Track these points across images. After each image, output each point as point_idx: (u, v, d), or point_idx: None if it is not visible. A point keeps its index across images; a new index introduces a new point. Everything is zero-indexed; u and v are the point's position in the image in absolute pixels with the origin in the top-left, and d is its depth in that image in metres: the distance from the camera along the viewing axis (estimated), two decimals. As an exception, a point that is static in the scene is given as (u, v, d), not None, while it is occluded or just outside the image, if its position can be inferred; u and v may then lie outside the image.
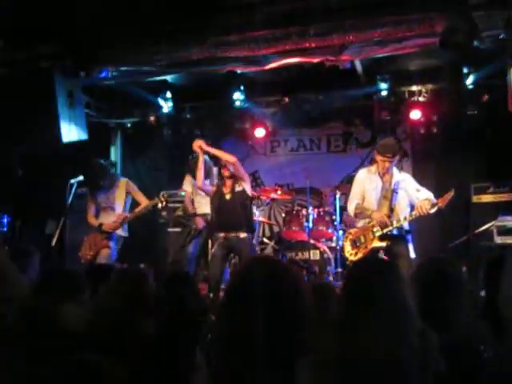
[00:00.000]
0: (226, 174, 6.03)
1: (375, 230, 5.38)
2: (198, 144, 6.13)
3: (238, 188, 6.01)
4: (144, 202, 6.49)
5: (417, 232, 7.46)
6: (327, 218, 7.32)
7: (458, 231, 7.21)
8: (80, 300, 2.81)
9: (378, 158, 5.49)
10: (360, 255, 5.42)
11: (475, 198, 7.31)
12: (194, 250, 7.13)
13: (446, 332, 2.51)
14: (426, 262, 2.88)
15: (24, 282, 3.05)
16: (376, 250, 5.40)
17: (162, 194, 6.47)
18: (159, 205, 6.48)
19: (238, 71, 7.11)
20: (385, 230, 5.33)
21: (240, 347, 1.69)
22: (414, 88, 7.71)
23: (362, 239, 5.46)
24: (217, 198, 6.08)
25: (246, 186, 6.02)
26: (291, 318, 1.73)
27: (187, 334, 2.51)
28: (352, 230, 5.67)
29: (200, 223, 7.19)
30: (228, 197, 6.01)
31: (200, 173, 6.12)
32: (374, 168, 5.66)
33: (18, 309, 2.66)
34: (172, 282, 2.93)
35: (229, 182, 6.04)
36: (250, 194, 6.08)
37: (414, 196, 5.45)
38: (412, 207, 5.47)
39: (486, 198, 7.24)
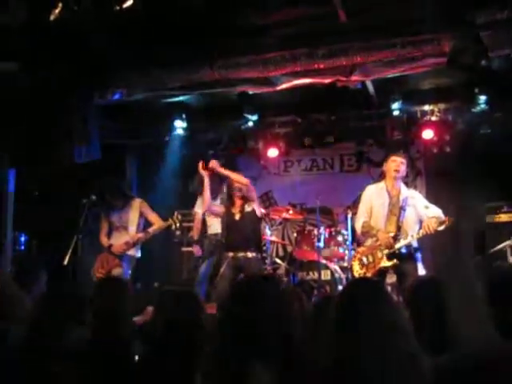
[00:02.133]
0: (236, 194, 6.08)
1: (383, 248, 5.37)
2: (213, 164, 6.18)
3: (247, 208, 6.06)
4: (157, 222, 6.52)
5: (429, 250, 7.46)
6: (339, 238, 7.31)
7: (472, 251, 7.14)
8: (83, 320, 2.86)
9: (391, 159, 5.50)
10: (369, 275, 5.39)
11: (489, 218, 7.26)
12: (206, 271, 7.14)
13: (442, 353, 2.50)
14: (419, 284, 2.87)
15: (26, 302, 3.10)
16: (384, 270, 5.38)
17: (175, 215, 6.51)
18: (173, 226, 6.52)
19: (250, 92, 7.18)
20: (391, 250, 5.32)
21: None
22: (427, 107, 7.71)
23: (371, 258, 5.44)
24: (226, 218, 6.12)
25: (255, 207, 6.06)
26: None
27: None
28: (360, 249, 5.66)
29: (197, 251, 7.20)
30: (237, 217, 6.05)
31: (206, 194, 6.17)
32: (381, 183, 5.66)
33: (21, 328, 2.72)
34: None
35: (238, 203, 6.08)
36: (259, 215, 6.12)
37: (422, 213, 5.41)
38: (420, 224, 5.43)
39: (500, 218, 7.19)
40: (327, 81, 6.58)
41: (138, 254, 6.60)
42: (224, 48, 5.97)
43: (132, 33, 5.76)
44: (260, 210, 6.19)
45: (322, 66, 5.94)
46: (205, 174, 6.19)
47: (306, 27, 5.82)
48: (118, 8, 4.34)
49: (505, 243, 6.71)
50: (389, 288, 6.15)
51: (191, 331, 2.57)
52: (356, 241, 7.46)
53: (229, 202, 6.22)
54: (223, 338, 1.87)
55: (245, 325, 1.91)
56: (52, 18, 4.37)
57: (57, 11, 4.36)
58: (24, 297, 3.16)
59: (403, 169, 5.59)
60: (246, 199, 6.07)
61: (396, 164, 5.52)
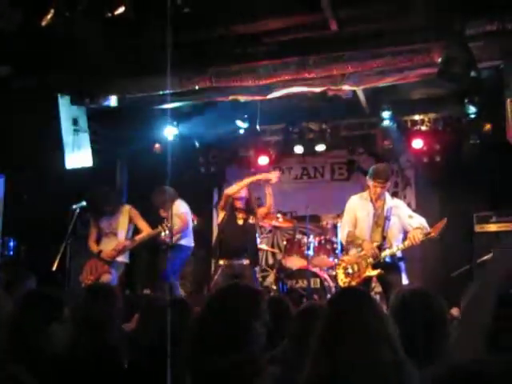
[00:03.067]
0: (239, 205, 6.12)
1: (368, 258, 5.39)
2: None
3: (250, 221, 6.14)
4: (146, 229, 6.51)
5: (420, 261, 7.49)
6: (328, 246, 7.32)
7: (461, 260, 7.18)
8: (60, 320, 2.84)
9: (371, 183, 5.52)
10: (353, 283, 5.41)
11: (478, 228, 7.30)
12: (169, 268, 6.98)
13: (429, 364, 2.51)
14: (407, 295, 2.88)
15: (8, 305, 3.07)
16: (369, 279, 5.41)
17: (165, 222, 6.50)
18: (162, 233, 6.50)
19: (242, 100, 7.19)
20: (376, 260, 5.34)
21: None
22: (417, 117, 7.76)
23: (356, 268, 5.46)
24: (227, 222, 6.13)
25: (256, 222, 6.21)
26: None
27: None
28: (345, 258, 5.68)
29: None
30: (240, 222, 6.10)
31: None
32: (365, 194, 5.69)
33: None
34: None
35: (241, 214, 6.15)
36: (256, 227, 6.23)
37: (406, 223, 5.45)
38: (405, 233, 5.47)
39: (489, 228, 7.23)
40: (318, 90, 6.60)
41: (126, 260, 6.59)
42: (217, 55, 5.98)
43: (124, 39, 5.78)
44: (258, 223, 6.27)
45: (312, 75, 5.95)
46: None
47: (297, 36, 5.85)
48: (109, 14, 4.34)
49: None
50: (377, 297, 6.17)
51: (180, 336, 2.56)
52: (345, 249, 7.49)
53: (232, 212, 6.24)
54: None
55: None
56: (44, 23, 4.37)
57: (48, 17, 4.35)
58: (5, 299, 3.13)
59: (383, 191, 5.59)
60: (249, 211, 6.17)
61: (375, 190, 5.54)
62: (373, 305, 2.25)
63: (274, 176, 6.23)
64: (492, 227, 7.22)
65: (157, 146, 8.49)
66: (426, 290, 2.98)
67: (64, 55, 5.90)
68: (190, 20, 5.40)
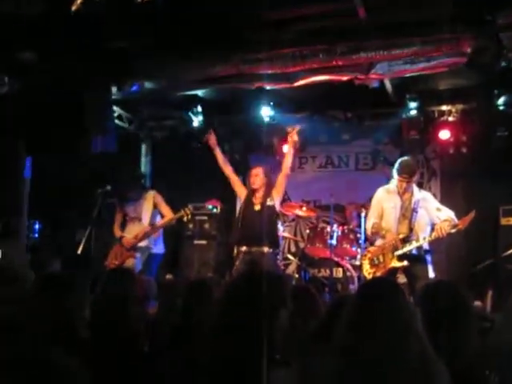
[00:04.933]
0: (254, 186, 5.93)
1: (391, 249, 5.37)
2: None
3: (269, 202, 5.89)
4: (168, 214, 6.53)
5: (445, 254, 7.42)
6: (351, 236, 7.28)
7: (486, 253, 7.12)
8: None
9: (396, 177, 5.48)
10: (378, 274, 5.39)
11: (504, 221, 7.22)
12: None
13: (453, 358, 2.50)
14: (434, 287, 2.86)
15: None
16: (395, 270, 5.38)
17: (188, 207, 6.52)
18: (184, 218, 6.52)
19: (267, 87, 7.17)
20: (396, 252, 5.31)
21: None
22: (444, 108, 7.67)
23: (381, 258, 5.42)
24: (244, 208, 6.01)
25: (277, 202, 5.98)
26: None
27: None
28: (371, 249, 5.66)
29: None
30: (257, 208, 5.89)
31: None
32: (393, 186, 5.64)
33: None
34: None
35: (259, 194, 5.95)
36: (277, 210, 6.07)
37: (434, 215, 5.39)
38: (432, 226, 5.42)
39: (515, 221, 7.15)
40: (345, 78, 6.57)
41: (157, 249, 6.61)
42: (244, 42, 5.96)
43: (152, 25, 5.78)
44: (280, 206, 6.15)
45: (340, 63, 5.92)
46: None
47: (325, 23, 5.80)
48: (139, 0, 4.35)
49: (519, 247, 6.66)
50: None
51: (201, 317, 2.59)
52: (368, 239, 7.45)
53: (251, 190, 6.02)
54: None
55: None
56: (73, 8, 4.39)
57: (78, 1, 4.38)
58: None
59: (409, 185, 5.52)
60: (268, 190, 5.93)
61: (401, 185, 5.48)
62: (402, 296, 2.24)
63: (293, 135, 5.98)
64: (518, 220, 7.14)
65: (182, 131, 8.51)
66: (450, 283, 2.97)
67: (91, 41, 5.94)
68: (218, 6, 5.41)
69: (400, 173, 5.42)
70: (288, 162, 5.99)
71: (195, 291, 3.07)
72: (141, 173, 8.25)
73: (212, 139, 6.26)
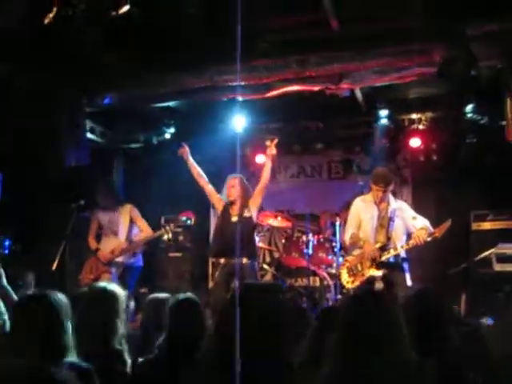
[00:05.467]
0: (231, 197, 5.92)
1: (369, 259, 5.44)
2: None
3: (246, 213, 5.88)
4: (146, 230, 6.43)
5: (417, 259, 7.51)
6: (327, 245, 7.34)
7: (458, 258, 7.24)
8: None
9: (373, 187, 5.57)
10: (357, 283, 5.47)
11: (475, 226, 7.36)
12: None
13: (439, 359, 2.55)
14: (417, 295, 2.92)
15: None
16: (373, 279, 5.44)
17: (169, 225, 6.45)
18: (165, 236, 6.44)
19: (240, 99, 7.19)
20: (375, 262, 5.38)
21: None
22: (414, 116, 7.80)
23: (359, 267, 5.50)
24: (222, 219, 5.99)
25: (254, 213, 5.96)
26: None
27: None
28: (349, 258, 5.72)
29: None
30: (234, 219, 5.86)
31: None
32: (369, 196, 5.72)
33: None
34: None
35: (236, 205, 5.91)
36: (255, 222, 6.06)
37: (410, 224, 5.51)
38: (408, 235, 5.53)
39: (486, 226, 7.29)
40: (316, 88, 6.62)
41: (136, 262, 6.54)
42: (217, 54, 5.96)
43: (125, 37, 5.75)
44: (256, 217, 6.13)
45: (313, 74, 5.97)
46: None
47: (298, 34, 5.85)
48: (114, 13, 4.33)
49: (490, 251, 6.79)
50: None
51: (195, 338, 2.57)
52: (343, 248, 7.51)
53: (229, 203, 6.01)
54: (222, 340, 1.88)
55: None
56: (46, 21, 4.34)
57: (51, 15, 4.33)
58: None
59: (386, 194, 5.60)
60: (244, 202, 5.89)
61: (377, 194, 5.57)
62: (391, 307, 2.28)
63: (271, 148, 5.95)
64: (489, 225, 7.28)
65: (154, 143, 8.45)
66: (430, 290, 3.04)
67: (64, 53, 5.87)
68: (192, 20, 5.42)
69: (376, 183, 5.49)
70: (267, 173, 6.00)
71: (184, 309, 3.04)
72: (114, 183, 8.16)
73: (185, 152, 6.25)
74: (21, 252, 7.90)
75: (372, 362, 2.07)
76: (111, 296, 3.26)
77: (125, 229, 6.42)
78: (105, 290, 3.27)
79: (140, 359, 3.09)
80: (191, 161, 6.21)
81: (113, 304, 3.20)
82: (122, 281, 6.34)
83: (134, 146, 8.75)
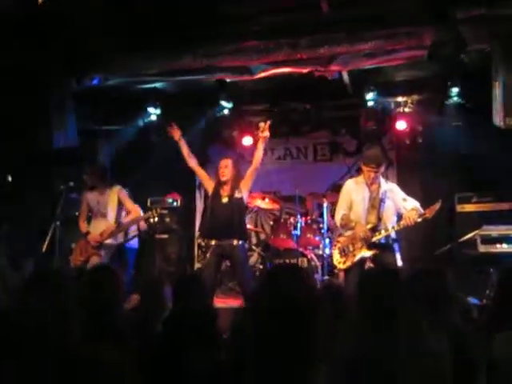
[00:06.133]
0: (224, 178, 5.94)
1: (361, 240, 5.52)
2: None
3: (237, 195, 5.91)
4: (134, 211, 6.42)
5: (402, 240, 7.63)
6: (314, 226, 7.41)
7: (443, 239, 7.36)
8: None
9: (364, 168, 5.62)
10: (348, 263, 5.54)
11: (459, 208, 7.48)
12: None
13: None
14: (420, 273, 2.98)
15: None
16: (364, 259, 5.52)
17: (155, 209, 6.49)
18: (151, 219, 6.44)
19: (228, 80, 7.17)
20: (367, 242, 5.46)
21: None
22: (400, 99, 7.86)
23: (351, 248, 5.57)
24: (212, 199, 6.01)
25: (245, 195, 6.00)
26: None
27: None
28: (340, 239, 5.78)
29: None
30: (225, 201, 5.90)
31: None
32: (360, 178, 5.78)
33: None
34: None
35: (227, 186, 5.96)
36: (245, 203, 6.10)
37: (400, 205, 5.58)
38: (399, 216, 5.60)
39: (470, 208, 7.41)
40: (305, 70, 6.62)
41: (116, 241, 6.52)
42: (207, 36, 5.94)
43: (114, 18, 5.69)
44: (246, 199, 6.16)
45: (304, 56, 5.97)
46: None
47: (289, 17, 5.83)
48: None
49: (474, 232, 6.91)
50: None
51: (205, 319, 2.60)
52: (330, 229, 7.59)
53: (219, 182, 6.02)
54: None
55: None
56: (39, 1, 4.28)
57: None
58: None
59: (377, 175, 5.66)
60: (235, 183, 5.93)
61: (369, 175, 5.62)
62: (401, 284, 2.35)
63: (265, 130, 5.98)
64: (473, 207, 7.40)
65: (140, 124, 8.40)
66: (435, 268, 3.10)
67: (52, 34, 5.79)
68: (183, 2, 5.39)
69: (367, 163, 5.55)
70: (259, 155, 6.01)
71: (187, 286, 3.08)
72: (101, 164, 8.10)
73: (176, 132, 6.24)
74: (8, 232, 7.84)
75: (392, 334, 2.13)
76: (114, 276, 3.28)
77: (113, 211, 6.40)
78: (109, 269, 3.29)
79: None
80: (183, 141, 6.19)
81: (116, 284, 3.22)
82: (120, 263, 6.37)
83: (119, 127, 8.66)
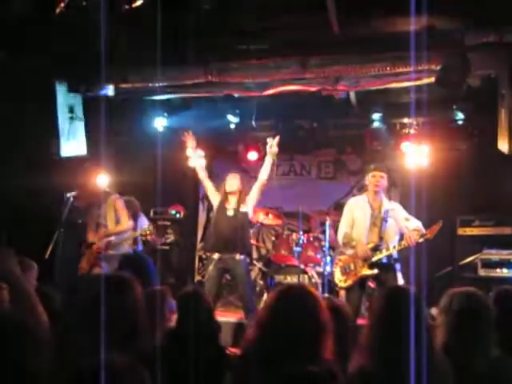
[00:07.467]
0: (231, 188, 6.02)
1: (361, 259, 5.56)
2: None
3: (242, 209, 5.97)
4: (123, 222, 6.39)
5: (403, 260, 7.65)
6: (316, 244, 7.44)
7: (444, 262, 7.38)
8: None
9: (370, 176, 5.65)
10: (349, 282, 5.57)
11: (460, 231, 7.51)
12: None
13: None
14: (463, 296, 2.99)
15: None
16: (365, 278, 5.55)
17: (148, 226, 6.61)
18: (143, 238, 6.53)
19: (236, 95, 7.24)
20: (367, 262, 5.50)
21: None
22: (406, 120, 7.91)
23: (352, 266, 5.60)
24: (217, 213, 6.06)
25: (250, 209, 6.04)
26: None
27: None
28: (342, 257, 5.81)
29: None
30: (230, 214, 5.96)
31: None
32: (363, 196, 5.84)
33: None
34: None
35: (233, 199, 6.02)
36: (250, 217, 6.14)
37: (403, 225, 5.63)
38: (401, 236, 5.64)
39: (471, 231, 7.44)
40: (313, 89, 6.69)
41: (117, 252, 6.51)
42: (219, 51, 6.02)
43: (123, 29, 5.75)
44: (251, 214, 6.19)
45: (313, 75, 6.05)
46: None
47: (299, 35, 5.91)
48: (127, 7, 4.35)
49: (475, 256, 6.95)
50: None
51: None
52: (332, 247, 7.60)
53: (225, 195, 6.09)
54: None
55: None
56: (57, 11, 4.34)
57: (62, 5, 4.34)
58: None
59: (383, 183, 5.75)
60: (241, 197, 6.00)
61: (376, 179, 5.69)
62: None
63: (273, 145, 6.10)
64: (474, 231, 7.43)
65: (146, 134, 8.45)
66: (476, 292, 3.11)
67: (63, 41, 5.86)
68: (195, 15, 5.45)
69: (374, 169, 5.62)
70: (267, 171, 6.06)
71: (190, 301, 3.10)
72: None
73: (190, 139, 6.29)
74: (9, 240, 7.85)
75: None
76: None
77: (111, 221, 6.38)
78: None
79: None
80: (198, 151, 6.23)
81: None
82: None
83: (125, 137, 8.69)
